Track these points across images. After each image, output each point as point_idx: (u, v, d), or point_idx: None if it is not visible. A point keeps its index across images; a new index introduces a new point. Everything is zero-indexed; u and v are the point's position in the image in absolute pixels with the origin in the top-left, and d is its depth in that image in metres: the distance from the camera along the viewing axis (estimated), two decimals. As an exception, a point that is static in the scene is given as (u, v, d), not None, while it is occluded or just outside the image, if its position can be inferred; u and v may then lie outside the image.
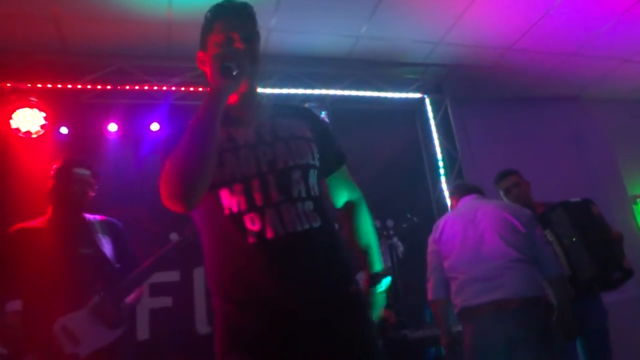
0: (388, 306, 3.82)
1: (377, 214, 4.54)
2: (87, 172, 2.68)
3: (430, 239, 3.00)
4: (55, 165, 2.69)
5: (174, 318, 3.90)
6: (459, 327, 3.01)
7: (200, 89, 4.35)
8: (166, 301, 3.87)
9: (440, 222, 3.02)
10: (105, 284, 2.49)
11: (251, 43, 1.55)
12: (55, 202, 2.64)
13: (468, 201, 3.05)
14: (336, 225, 1.57)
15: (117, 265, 2.62)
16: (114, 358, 2.44)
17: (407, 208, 4.18)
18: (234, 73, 1.41)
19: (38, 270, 2.40)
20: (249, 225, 1.40)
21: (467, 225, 2.88)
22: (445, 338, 2.84)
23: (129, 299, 2.59)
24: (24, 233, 2.52)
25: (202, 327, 3.96)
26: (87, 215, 2.71)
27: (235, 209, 1.41)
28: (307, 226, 1.43)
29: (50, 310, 2.38)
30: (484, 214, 2.88)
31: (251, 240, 1.39)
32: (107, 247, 2.63)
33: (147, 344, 3.71)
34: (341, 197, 1.70)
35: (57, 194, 2.63)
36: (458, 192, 3.20)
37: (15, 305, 2.44)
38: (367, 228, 1.69)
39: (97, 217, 2.75)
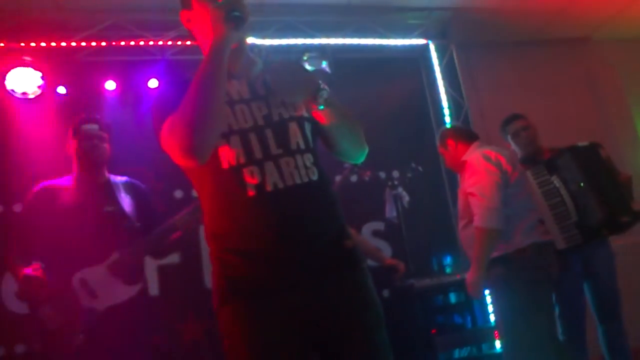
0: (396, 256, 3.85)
1: (382, 165, 4.52)
2: (95, 127, 2.70)
3: (500, 169, 2.76)
4: (70, 127, 2.74)
5: (183, 274, 3.94)
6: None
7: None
8: (174, 258, 3.89)
9: (504, 156, 2.84)
10: (125, 242, 2.52)
11: None
12: (76, 162, 2.71)
13: (482, 147, 2.97)
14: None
15: (138, 224, 2.65)
16: (130, 314, 2.47)
17: (412, 158, 4.12)
18: (241, 21, 1.38)
19: (61, 226, 2.45)
20: (248, 178, 1.40)
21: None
22: (481, 273, 2.68)
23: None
24: (48, 191, 2.60)
25: (210, 282, 4.00)
26: (112, 176, 2.76)
27: (234, 162, 1.42)
28: (306, 179, 1.43)
29: (71, 264, 2.44)
30: None
31: (250, 193, 1.40)
32: (128, 206, 2.67)
33: (157, 300, 3.77)
34: None
35: (75, 154, 2.69)
36: (466, 136, 3.13)
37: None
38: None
39: (122, 178, 2.80)
